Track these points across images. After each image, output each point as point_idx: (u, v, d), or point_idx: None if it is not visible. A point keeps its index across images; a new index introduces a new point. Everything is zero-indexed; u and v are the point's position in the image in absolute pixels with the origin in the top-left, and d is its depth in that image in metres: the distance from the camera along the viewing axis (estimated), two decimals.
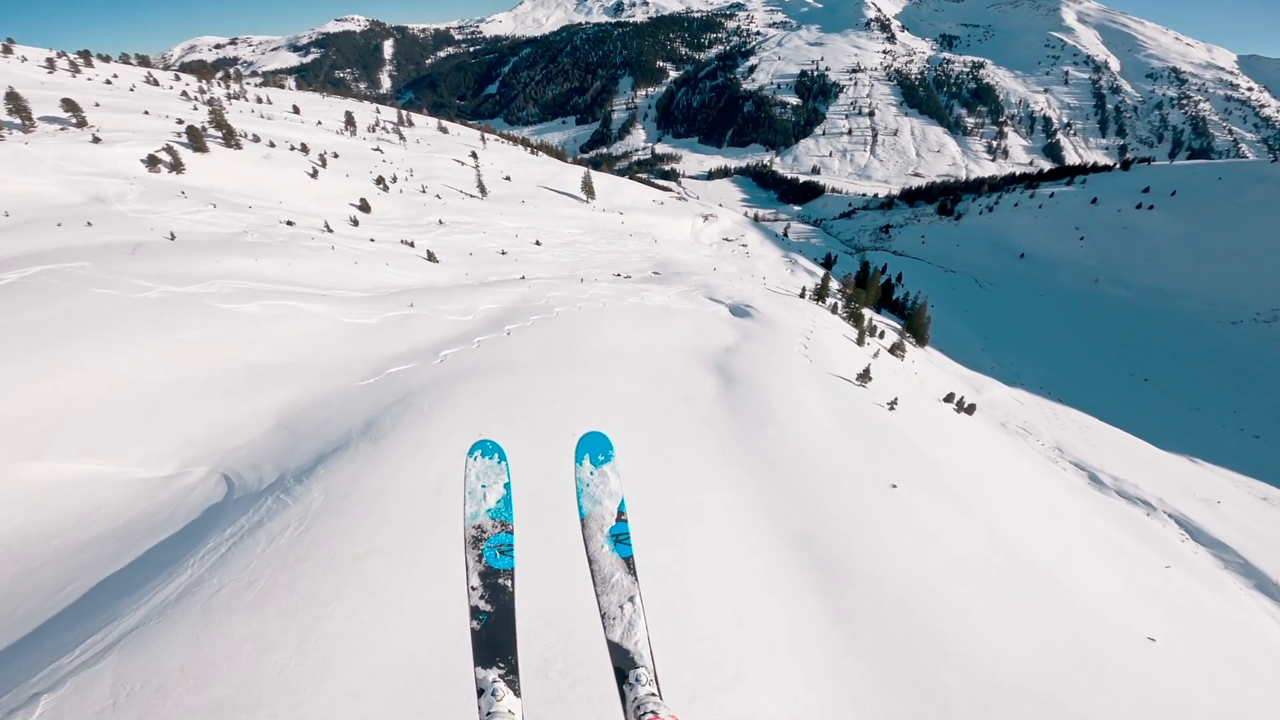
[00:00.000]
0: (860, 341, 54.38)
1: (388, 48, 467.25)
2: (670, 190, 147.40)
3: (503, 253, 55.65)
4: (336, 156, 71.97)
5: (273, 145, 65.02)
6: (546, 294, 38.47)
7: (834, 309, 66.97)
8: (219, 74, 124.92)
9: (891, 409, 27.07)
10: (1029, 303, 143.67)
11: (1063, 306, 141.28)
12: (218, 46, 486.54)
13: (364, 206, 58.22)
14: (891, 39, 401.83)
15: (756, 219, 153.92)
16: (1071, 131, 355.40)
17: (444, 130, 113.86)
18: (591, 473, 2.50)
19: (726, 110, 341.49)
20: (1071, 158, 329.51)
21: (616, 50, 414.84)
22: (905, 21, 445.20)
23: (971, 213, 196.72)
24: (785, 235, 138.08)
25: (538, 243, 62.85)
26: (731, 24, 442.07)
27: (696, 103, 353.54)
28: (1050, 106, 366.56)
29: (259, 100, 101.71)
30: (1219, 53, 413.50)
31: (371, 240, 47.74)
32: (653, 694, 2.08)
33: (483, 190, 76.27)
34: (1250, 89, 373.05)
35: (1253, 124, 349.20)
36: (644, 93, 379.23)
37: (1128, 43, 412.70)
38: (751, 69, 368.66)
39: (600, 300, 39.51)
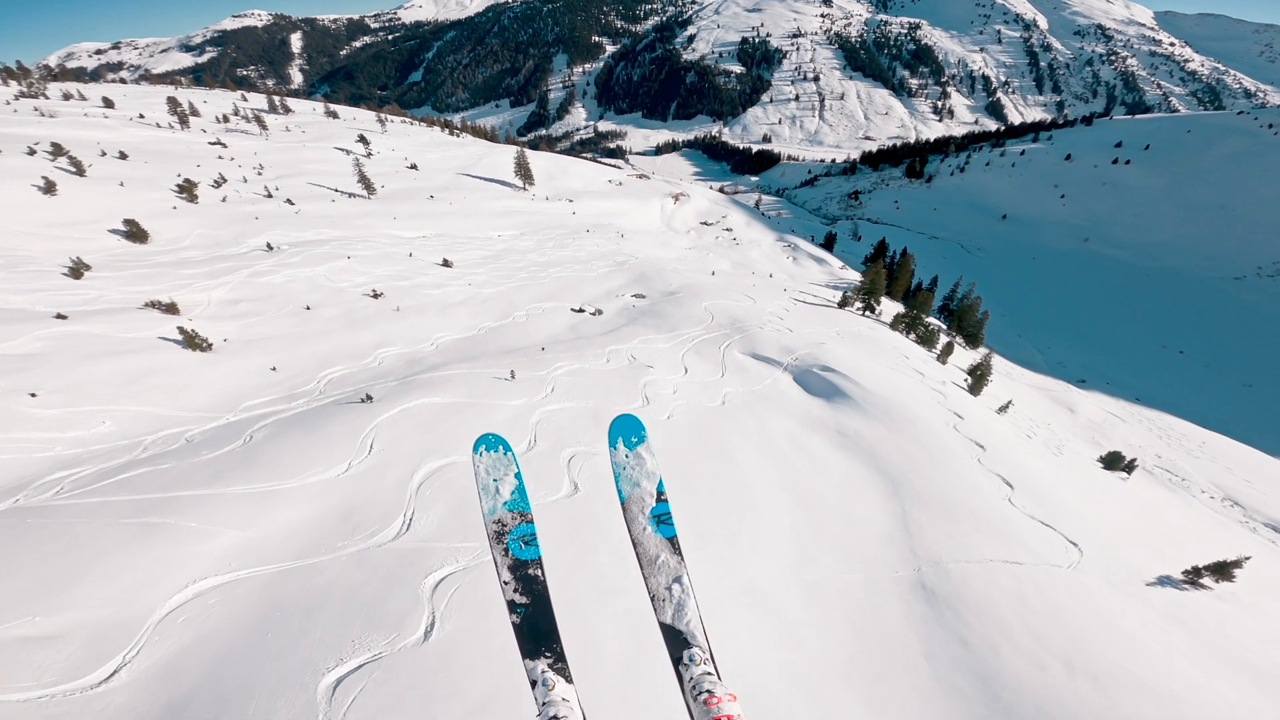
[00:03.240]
0: (976, 388, 33.88)
1: (295, 41, 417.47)
2: (623, 168, 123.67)
3: (374, 294, 31.82)
4: (124, 158, 45.51)
5: None
6: (419, 466, 15.03)
7: (895, 324, 45.98)
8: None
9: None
10: (1023, 268, 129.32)
11: (1058, 270, 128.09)
12: (99, 52, 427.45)
13: (133, 233, 33.02)
14: (828, 2, 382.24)
15: (723, 193, 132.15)
16: (1010, 90, 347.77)
17: (332, 115, 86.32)
18: (627, 455, 2.38)
19: (669, 83, 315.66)
20: (1013, 115, 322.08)
21: (548, 28, 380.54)
22: None
23: (942, 174, 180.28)
24: (758, 208, 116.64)
25: (446, 262, 38.86)
26: None
27: (637, 76, 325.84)
28: (988, 65, 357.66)
29: (66, 96, 72.24)
30: (1136, 9, 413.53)
31: (94, 309, 23.33)
32: (708, 673, 2.00)
33: (368, 186, 51.10)
34: (1172, 44, 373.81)
35: (1179, 78, 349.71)
36: (581, 69, 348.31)
37: (1053, 0, 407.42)
38: (691, 39, 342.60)
39: (563, 439, 16.51)
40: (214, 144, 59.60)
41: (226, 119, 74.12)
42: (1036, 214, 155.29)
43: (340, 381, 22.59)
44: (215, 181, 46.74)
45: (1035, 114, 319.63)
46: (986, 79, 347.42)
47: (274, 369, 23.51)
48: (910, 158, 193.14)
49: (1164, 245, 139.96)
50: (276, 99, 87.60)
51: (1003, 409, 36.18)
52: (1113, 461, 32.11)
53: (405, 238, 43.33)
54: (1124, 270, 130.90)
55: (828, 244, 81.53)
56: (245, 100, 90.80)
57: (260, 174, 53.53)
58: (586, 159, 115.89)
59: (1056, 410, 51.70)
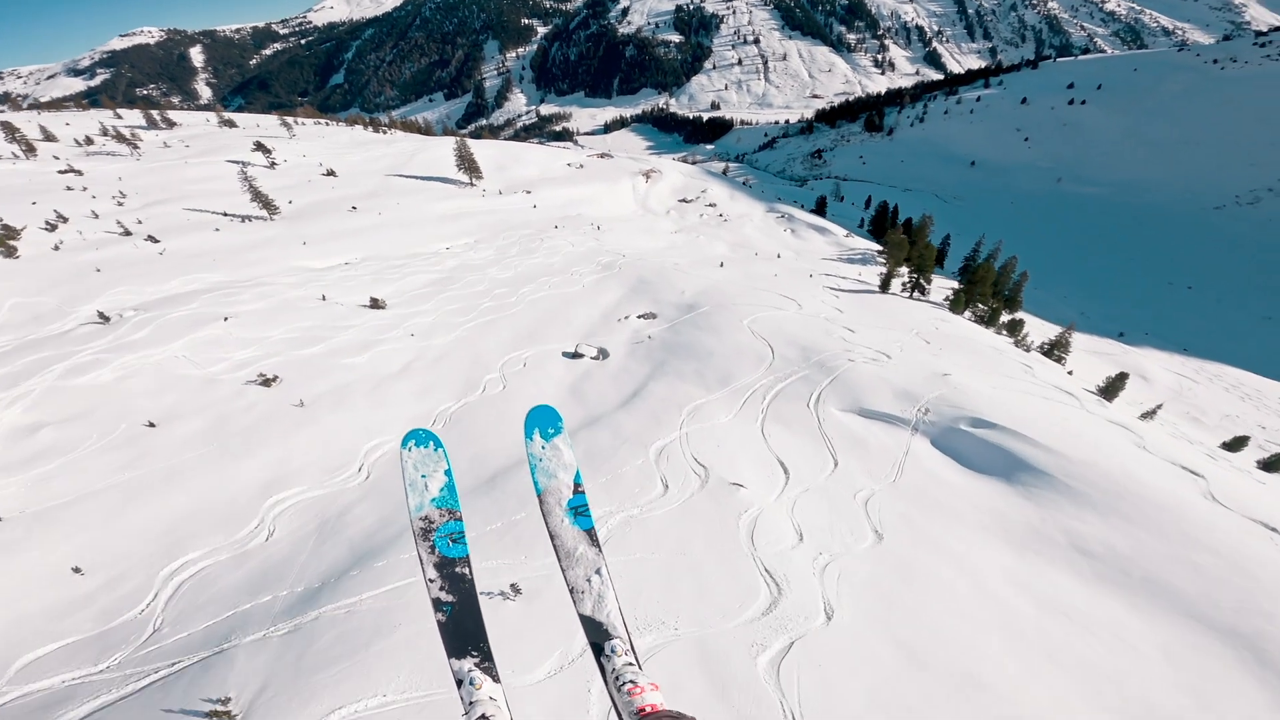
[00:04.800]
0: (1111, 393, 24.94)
1: (196, 55, 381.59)
2: (581, 149, 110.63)
3: (264, 380, 20.76)
4: None
5: None
6: None
7: (956, 306, 37.16)
8: None
9: None
10: (1003, 213, 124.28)
11: (1039, 212, 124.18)
12: None
13: None
14: None
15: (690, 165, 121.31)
16: (945, 39, 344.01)
17: (228, 124, 71.54)
18: (543, 447, 2.28)
19: (608, 59, 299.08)
20: (951, 64, 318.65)
21: (474, 15, 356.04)
22: None
23: (902, 125, 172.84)
24: (726, 175, 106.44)
25: (375, 303, 27.53)
26: None
27: (574, 55, 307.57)
28: (919, 16, 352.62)
29: None
30: None
31: None
32: (630, 663, 1.97)
33: (267, 205, 38.75)
34: None
35: (1100, 19, 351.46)
36: (514, 54, 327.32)
37: None
38: (624, 11, 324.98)
39: None
40: (65, 172, 45.86)
41: (90, 141, 59.42)
42: (1004, 159, 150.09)
43: (192, 596, 11.93)
44: (49, 224, 33.90)
45: (971, 61, 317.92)
46: (921, 29, 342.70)
47: (78, 570, 12.63)
48: (867, 111, 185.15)
49: (1136, 181, 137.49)
50: (156, 113, 72.29)
51: (1148, 415, 27.69)
52: (1236, 445, 25.44)
53: (317, 270, 31.67)
54: (1102, 207, 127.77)
55: (819, 209, 72.14)
56: (120, 118, 75.03)
57: (121, 204, 40.52)
58: (535, 144, 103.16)
59: (1130, 380, 44.09)
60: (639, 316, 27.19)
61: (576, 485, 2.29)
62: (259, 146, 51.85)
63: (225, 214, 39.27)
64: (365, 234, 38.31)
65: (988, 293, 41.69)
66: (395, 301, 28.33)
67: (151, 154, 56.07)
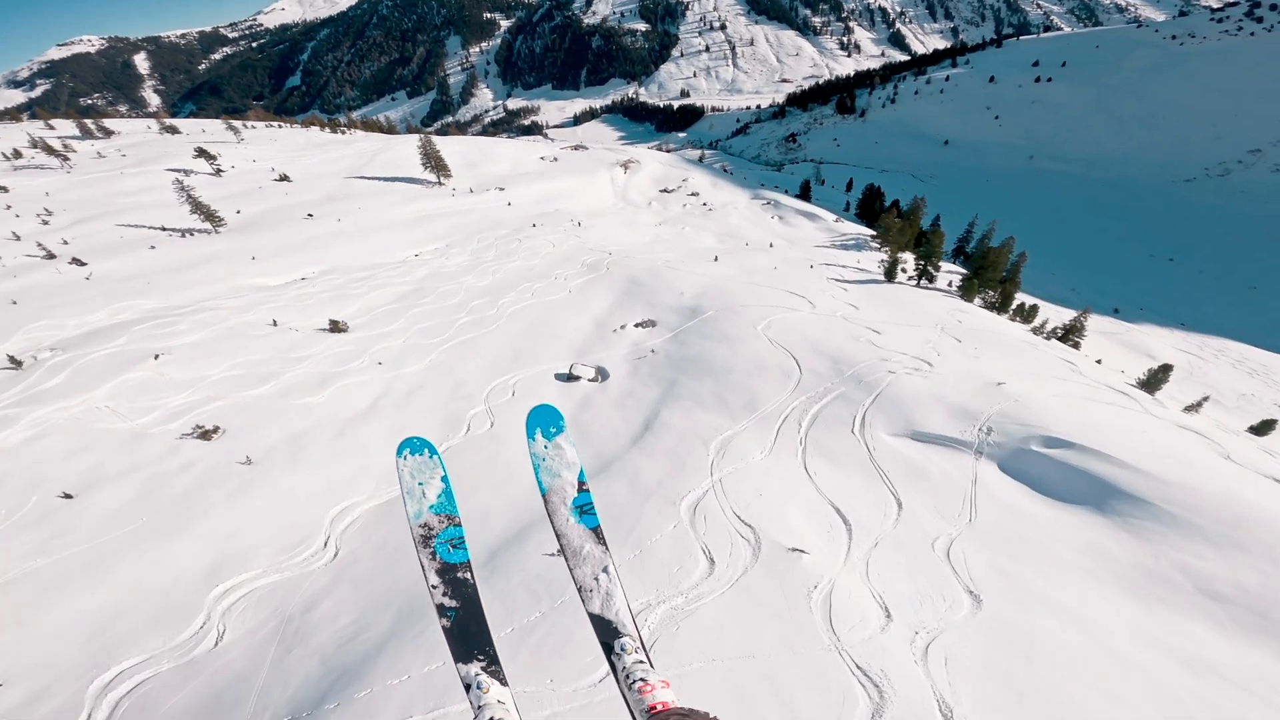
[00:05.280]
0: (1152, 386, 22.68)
1: (140, 62, 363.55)
2: (553, 142, 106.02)
3: (203, 433, 17.48)
4: None
5: None
6: None
7: (968, 294, 35.14)
8: None
9: None
10: (979, 191, 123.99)
11: (1014, 189, 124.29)
12: None
13: None
14: None
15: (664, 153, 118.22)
16: (907, 20, 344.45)
17: (170, 131, 66.14)
18: (546, 446, 2.28)
19: (574, 50, 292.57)
20: (915, 45, 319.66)
21: (433, 11, 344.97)
22: None
23: (874, 107, 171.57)
24: (702, 163, 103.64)
25: (335, 326, 24.14)
26: None
27: (539, 48, 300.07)
28: None
29: None
30: None
31: None
32: (640, 661, 1.94)
33: (210, 217, 34.73)
34: None
35: None
36: (478, 49, 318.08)
37: None
38: (588, 2, 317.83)
39: None
40: None
41: (18, 154, 54.08)
42: (976, 137, 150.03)
43: None
44: None
45: (934, 41, 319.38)
46: (884, 11, 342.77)
47: None
48: (838, 94, 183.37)
49: (1106, 156, 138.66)
50: (91, 122, 66.53)
51: (1193, 408, 25.76)
52: (1263, 429, 24.00)
53: (268, 289, 28.05)
54: (1075, 183, 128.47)
55: (804, 194, 69.77)
56: (52, 128, 69.03)
57: (46, 223, 36.11)
58: (506, 139, 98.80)
59: (1138, 359, 42.73)
60: (636, 325, 24.30)
61: (581, 484, 2.26)
62: (201, 153, 47.33)
63: (163, 229, 35.17)
64: (323, 244, 34.61)
65: (997, 278, 39.72)
66: (359, 322, 24.95)
67: (84, 166, 51.05)
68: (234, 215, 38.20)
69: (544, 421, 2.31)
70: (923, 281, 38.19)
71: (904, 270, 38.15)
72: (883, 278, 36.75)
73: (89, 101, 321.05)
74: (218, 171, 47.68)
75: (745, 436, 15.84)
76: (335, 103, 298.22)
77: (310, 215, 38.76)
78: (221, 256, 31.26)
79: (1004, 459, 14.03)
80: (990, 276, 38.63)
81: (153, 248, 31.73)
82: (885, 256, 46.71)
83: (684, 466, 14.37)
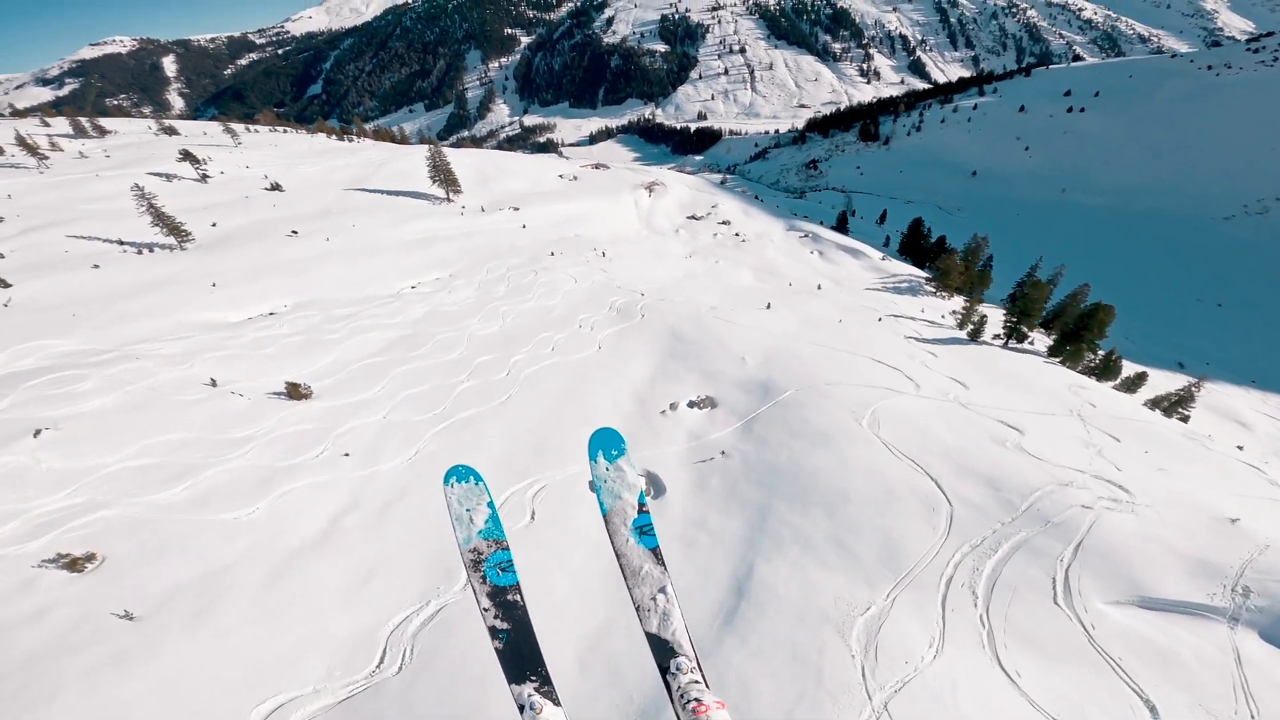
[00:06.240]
0: None
1: (169, 65, 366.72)
2: (565, 160, 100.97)
3: (67, 563, 10.78)
4: None
5: None
6: None
7: (1067, 358, 28.90)
8: None
9: None
10: (1009, 225, 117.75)
11: (1046, 224, 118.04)
12: None
13: None
14: None
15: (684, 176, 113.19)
16: (928, 48, 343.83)
17: (169, 132, 61.46)
18: (608, 468, 2.30)
19: (592, 69, 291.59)
20: (935, 73, 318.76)
21: (455, 25, 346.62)
22: None
23: (899, 135, 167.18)
24: (725, 186, 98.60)
25: (293, 391, 18.10)
26: None
27: (558, 65, 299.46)
28: (903, 25, 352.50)
29: None
30: None
31: None
32: (695, 681, 1.94)
33: (175, 231, 29.15)
34: None
35: (1077, 27, 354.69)
36: (497, 64, 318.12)
37: None
38: (609, 21, 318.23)
39: None
40: None
41: (0, 151, 49.17)
42: (1005, 168, 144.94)
43: None
44: None
45: (954, 69, 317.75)
46: (905, 38, 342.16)
47: None
48: (860, 120, 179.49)
49: (1140, 188, 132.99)
50: (86, 120, 61.98)
51: None
52: None
53: (223, 328, 22.22)
54: (1110, 217, 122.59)
55: (841, 226, 64.10)
56: (47, 125, 64.59)
57: None
58: (523, 155, 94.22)
59: (1233, 428, 36.39)
60: (692, 405, 18.28)
61: (641, 505, 2.27)
62: (186, 156, 42.09)
63: (120, 243, 29.62)
64: (304, 268, 28.92)
65: (1095, 337, 33.58)
66: (328, 384, 19.02)
67: (62, 166, 46.00)
68: (207, 229, 32.69)
69: (606, 444, 2.30)
70: (1010, 342, 32.16)
71: (956, 315, 32.15)
72: (964, 336, 30.71)
73: (114, 102, 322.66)
74: (203, 177, 42.45)
75: (897, 614, 9.76)
76: (354, 112, 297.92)
77: (294, 232, 33.17)
78: (176, 280, 25.58)
79: (1266, 627, 8.29)
80: (1090, 338, 32.55)
81: (96, 267, 26.11)
82: (958, 307, 40.81)
83: (820, 680, 8.44)
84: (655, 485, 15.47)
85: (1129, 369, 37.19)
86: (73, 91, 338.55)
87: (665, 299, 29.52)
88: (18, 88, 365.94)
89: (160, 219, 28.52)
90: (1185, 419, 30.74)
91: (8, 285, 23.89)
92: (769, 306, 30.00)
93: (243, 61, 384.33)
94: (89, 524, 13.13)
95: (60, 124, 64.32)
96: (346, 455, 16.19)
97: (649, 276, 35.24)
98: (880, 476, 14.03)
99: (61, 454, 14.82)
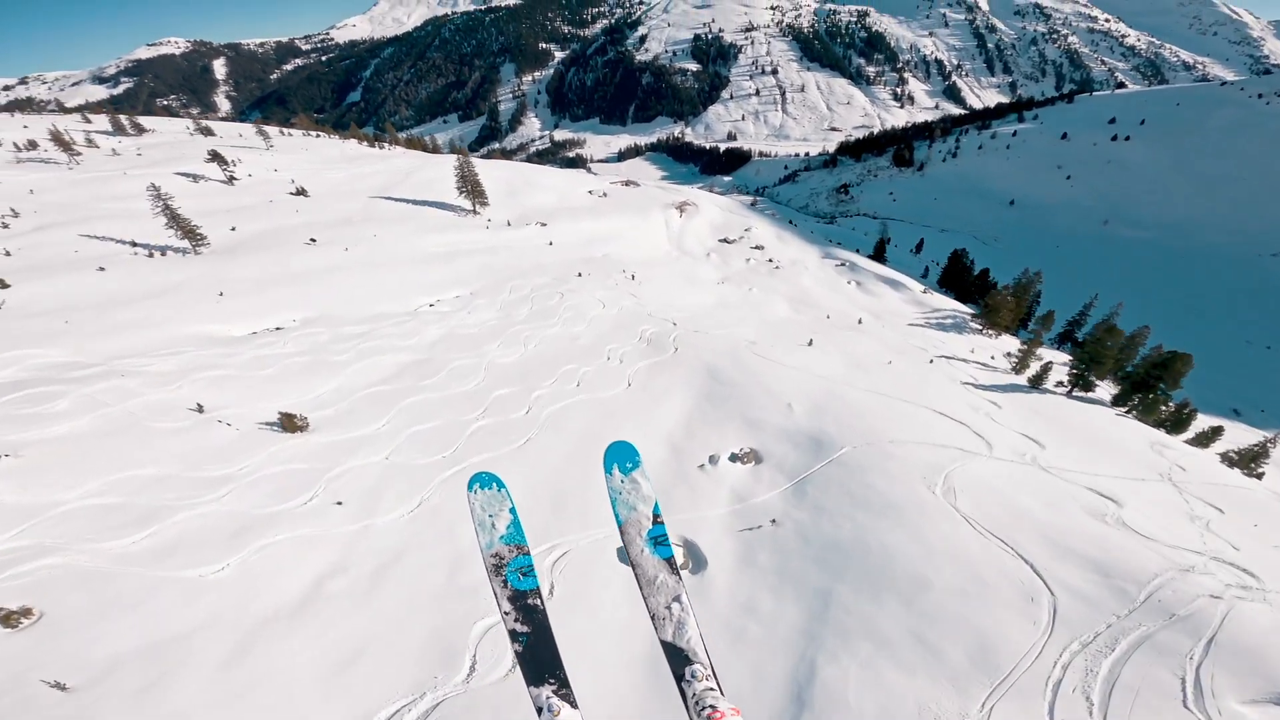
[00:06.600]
0: None
1: (219, 67, 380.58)
2: (594, 176, 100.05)
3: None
4: None
5: None
6: None
7: (1141, 412, 25.88)
8: None
9: None
10: (1047, 258, 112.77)
11: (1085, 258, 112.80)
12: (5, 89, 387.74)
13: None
14: None
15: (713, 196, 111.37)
16: (964, 73, 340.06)
17: (204, 132, 61.74)
18: (623, 480, 2.36)
19: (624, 85, 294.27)
20: (971, 99, 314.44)
21: (492, 38, 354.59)
22: None
23: (934, 161, 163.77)
24: (756, 209, 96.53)
25: (288, 423, 16.09)
26: None
27: (590, 81, 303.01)
28: (939, 49, 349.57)
29: None
30: None
31: None
32: (710, 688, 1.95)
33: (190, 234, 27.89)
34: (1107, 20, 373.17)
35: (1120, 54, 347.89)
36: (530, 78, 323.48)
37: None
38: (642, 39, 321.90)
39: None
40: None
41: (33, 145, 49.48)
42: (1045, 197, 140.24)
43: None
44: None
45: (991, 95, 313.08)
46: (940, 63, 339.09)
47: None
48: (894, 145, 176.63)
49: (1187, 222, 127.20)
50: (125, 118, 62.61)
51: None
52: None
53: (223, 343, 20.51)
54: (1155, 252, 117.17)
55: (878, 255, 61.39)
56: (89, 121, 65.51)
57: (6, 226, 29.84)
58: (552, 169, 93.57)
59: None
60: (734, 458, 15.88)
61: (656, 516, 2.32)
62: (215, 157, 41.41)
63: (132, 244, 28.45)
64: (319, 280, 27.34)
65: (1170, 387, 30.31)
66: (328, 415, 17.05)
67: (92, 163, 45.86)
68: (225, 233, 31.47)
69: (621, 457, 2.35)
70: (1075, 390, 29.07)
71: (1011, 357, 29.19)
72: (1023, 382, 27.76)
73: (165, 102, 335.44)
74: (230, 179, 41.70)
75: None
76: (390, 120, 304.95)
77: (313, 240, 31.78)
78: (182, 288, 24.11)
79: None
80: (1166, 388, 29.32)
81: (101, 270, 24.79)
82: (1009, 348, 37.82)
83: None
84: (695, 557, 13.13)
85: (1202, 421, 33.70)
86: (127, 90, 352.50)
87: (699, 330, 27.23)
88: (74, 85, 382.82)
89: (175, 221, 27.27)
90: (1260, 476, 27.30)
91: (5, 286, 22.62)
92: (811, 343, 27.47)
93: (288, 67, 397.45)
94: (32, 572, 11.18)
95: (101, 121, 65.15)
96: (339, 504, 14.10)
97: (680, 303, 33.03)
98: (965, 558, 11.54)
99: (17, 485, 12.98)
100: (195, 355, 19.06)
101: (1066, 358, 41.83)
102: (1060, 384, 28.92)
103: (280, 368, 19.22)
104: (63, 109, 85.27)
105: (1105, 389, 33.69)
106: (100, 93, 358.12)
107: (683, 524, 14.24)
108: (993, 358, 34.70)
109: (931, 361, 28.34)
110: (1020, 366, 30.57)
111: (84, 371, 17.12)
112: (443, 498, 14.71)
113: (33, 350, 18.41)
